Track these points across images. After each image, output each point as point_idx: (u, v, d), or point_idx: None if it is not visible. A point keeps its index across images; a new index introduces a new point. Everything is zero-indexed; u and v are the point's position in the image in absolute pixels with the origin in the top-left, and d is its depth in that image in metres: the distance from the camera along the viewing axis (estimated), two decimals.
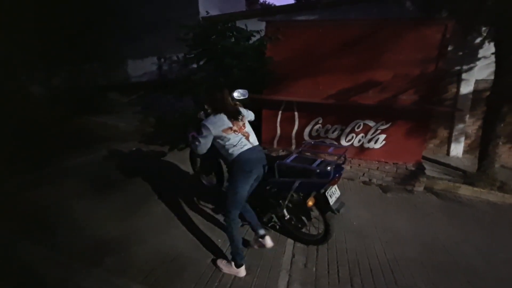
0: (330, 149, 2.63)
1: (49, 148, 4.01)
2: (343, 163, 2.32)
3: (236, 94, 2.38)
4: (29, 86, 6.56)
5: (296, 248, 2.49)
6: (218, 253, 2.34)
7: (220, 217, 2.85)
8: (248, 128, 2.14)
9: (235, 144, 2.00)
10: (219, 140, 2.01)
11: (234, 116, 2.03)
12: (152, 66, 7.16)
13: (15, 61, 6.19)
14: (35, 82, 6.77)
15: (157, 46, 6.76)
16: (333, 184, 2.21)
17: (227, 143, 2.00)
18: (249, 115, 2.32)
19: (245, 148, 2.02)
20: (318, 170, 2.09)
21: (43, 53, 6.66)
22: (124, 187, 3.28)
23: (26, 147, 3.98)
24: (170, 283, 1.99)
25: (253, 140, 2.13)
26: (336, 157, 2.35)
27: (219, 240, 2.50)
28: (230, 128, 1.98)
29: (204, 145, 2.00)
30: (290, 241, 2.57)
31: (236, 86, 2.54)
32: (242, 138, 2.03)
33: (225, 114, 2.00)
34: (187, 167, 4.07)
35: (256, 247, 2.40)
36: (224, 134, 1.97)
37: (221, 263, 2.17)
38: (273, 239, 2.40)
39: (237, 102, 2.29)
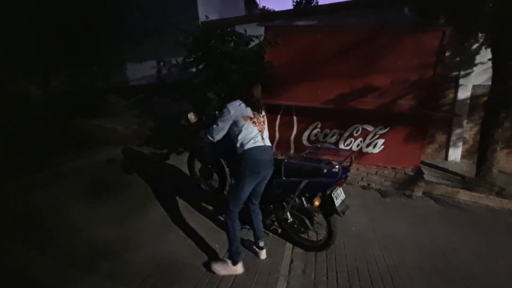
0: (335, 152, 2.64)
1: (45, 151, 3.97)
2: (349, 165, 2.32)
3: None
4: (27, 88, 6.53)
5: (295, 254, 2.47)
6: (214, 258, 2.30)
7: (218, 222, 2.82)
8: (266, 128, 2.18)
9: (249, 135, 1.99)
10: (235, 128, 2.01)
11: (255, 108, 2.05)
12: (151, 70, 7.16)
13: (13, 63, 6.17)
14: (33, 84, 6.74)
15: (157, 50, 6.78)
16: (339, 186, 2.22)
17: (242, 132, 1.98)
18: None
19: (257, 144, 2.00)
20: (325, 170, 2.08)
21: (42, 55, 6.66)
22: (120, 191, 3.24)
23: (22, 149, 3.94)
24: None
25: (267, 140, 2.14)
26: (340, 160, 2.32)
27: (217, 245, 2.47)
28: (250, 118, 2.01)
29: (222, 129, 2.02)
30: (288, 246, 2.54)
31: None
32: (258, 134, 2.04)
33: (247, 104, 2.03)
34: (186, 171, 4.05)
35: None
36: (242, 121, 1.98)
37: (216, 265, 2.14)
38: (272, 243, 2.37)
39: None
